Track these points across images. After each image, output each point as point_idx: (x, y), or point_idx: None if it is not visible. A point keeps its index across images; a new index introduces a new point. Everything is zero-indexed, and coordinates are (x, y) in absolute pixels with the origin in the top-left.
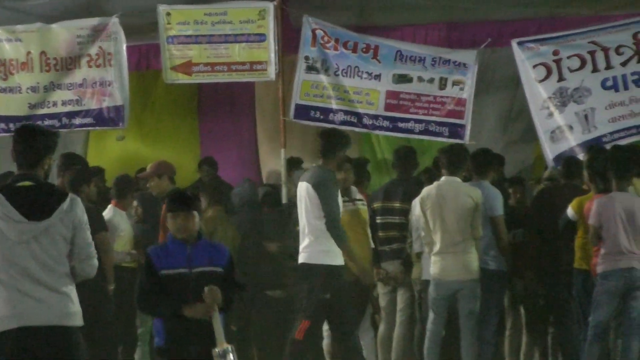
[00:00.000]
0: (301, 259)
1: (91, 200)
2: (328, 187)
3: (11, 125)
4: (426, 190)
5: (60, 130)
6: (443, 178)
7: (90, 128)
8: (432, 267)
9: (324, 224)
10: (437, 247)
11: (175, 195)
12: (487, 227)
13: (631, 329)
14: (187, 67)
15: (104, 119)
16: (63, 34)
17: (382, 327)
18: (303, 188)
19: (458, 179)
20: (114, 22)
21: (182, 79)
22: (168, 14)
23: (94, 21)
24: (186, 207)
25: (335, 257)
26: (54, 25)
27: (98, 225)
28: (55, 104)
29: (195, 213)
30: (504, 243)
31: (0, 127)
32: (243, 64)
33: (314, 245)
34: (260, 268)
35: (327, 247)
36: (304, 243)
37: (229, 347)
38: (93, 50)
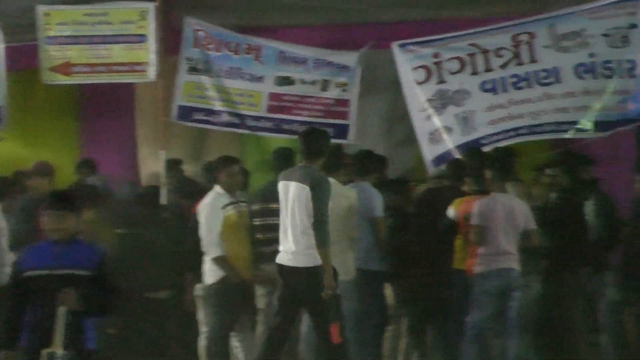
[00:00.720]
0: (294, 262)
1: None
2: (324, 188)
3: None
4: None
5: None
6: None
7: None
8: None
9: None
10: None
11: (51, 195)
12: (368, 228)
13: (509, 330)
14: (66, 67)
15: None
16: None
17: (261, 328)
18: (293, 188)
19: (334, 180)
20: None
21: (61, 79)
22: (47, 14)
23: None
24: (61, 206)
25: None
26: None
27: None
28: None
29: (71, 214)
30: (384, 244)
31: None
32: (123, 64)
33: (311, 248)
34: (141, 270)
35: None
36: (293, 246)
37: (62, 352)
38: None
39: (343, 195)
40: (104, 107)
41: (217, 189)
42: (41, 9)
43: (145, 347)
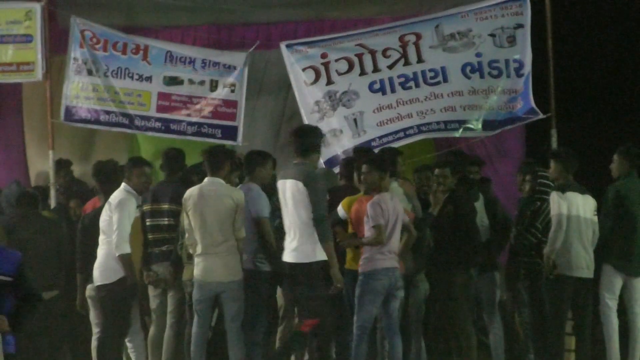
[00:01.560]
0: (293, 258)
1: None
2: (318, 184)
3: None
4: (189, 191)
5: None
6: (206, 179)
7: None
8: (195, 268)
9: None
10: (199, 248)
11: None
12: (255, 228)
13: (394, 328)
14: None
15: None
16: None
17: (152, 329)
18: (289, 186)
19: (220, 180)
20: None
21: None
22: None
23: None
24: None
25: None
26: None
27: None
28: None
29: None
30: (270, 244)
31: None
32: (10, 64)
33: (307, 244)
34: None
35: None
36: (293, 242)
37: None
38: None
39: (228, 195)
40: None
41: (127, 188)
42: None
43: (35, 349)
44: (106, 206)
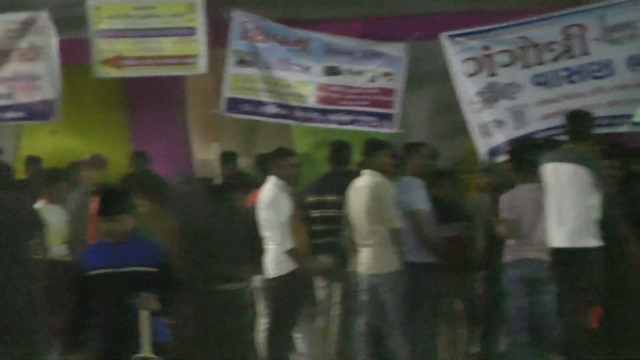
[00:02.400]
0: (574, 243)
1: None
2: (600, 168)
3: None
4: (353, 184)
5: None
6: (363, 171)
7: (22, 122)
8: (356, 260)
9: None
10: (356, 240)
11: (104, 198)
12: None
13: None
14: (116, 61)
15: (36, 112)
16: None
17: (320, 321)
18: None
19: (374, 171)
20: (44, 16)
21: (112, 72)
22: (98, 7)
23: (23, 15)
24: (113, 211)
25: None
26: None
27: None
28: None
29: (125, 216)
30: (424, 236)
31: None
32: (173, 57)
33: (589, 228)
34: (205, 262)
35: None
36: (572, 225)
37: (154, 357)
38: (23, 44)
39: (372, 186)
40: (153, 100)
41: (275, 180)
42: (91, 2)
43: (214, 340)
44: (259, 204)
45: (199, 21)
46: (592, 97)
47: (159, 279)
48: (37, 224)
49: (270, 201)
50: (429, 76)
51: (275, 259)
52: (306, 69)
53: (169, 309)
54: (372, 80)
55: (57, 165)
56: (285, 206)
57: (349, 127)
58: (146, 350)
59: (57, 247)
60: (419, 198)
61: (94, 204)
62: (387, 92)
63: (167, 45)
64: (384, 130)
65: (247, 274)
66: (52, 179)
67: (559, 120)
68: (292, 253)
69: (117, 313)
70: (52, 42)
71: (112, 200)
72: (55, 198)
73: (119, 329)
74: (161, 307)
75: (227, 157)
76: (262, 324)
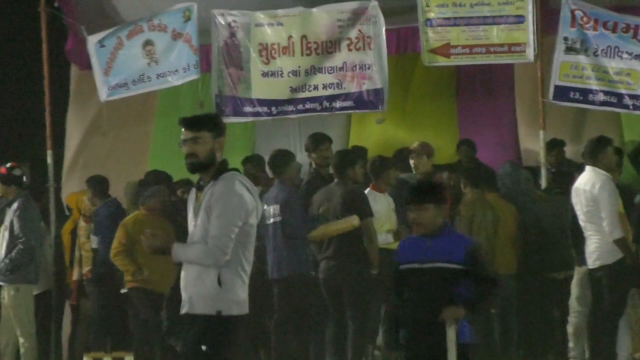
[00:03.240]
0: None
1: (357, 182)
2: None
3: (273, 109)
4: None
5: (321, 113)
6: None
7: (350, 111)
8: None
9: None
10: None
11: (414, 186)
12: None
13: None
14: (445, 49)
15: (364, 102)
16: (324, 18)
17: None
18: (588, 191)
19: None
20: (373, 5)
21: (440, 61)
22: None
23: (353, 5)
24: (421, 199)
25: None
26: (314, 9)
27: (366, 211)
28: (316, 88)
29: (431, 206)
30: None
31: (263, 110)
32: (501, 45)
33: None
34: (539, 251)
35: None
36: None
37: None
38: (353, 33)
39: None
40: (480, 88)
41: (597, 170)
42: None
43: (536, 329)
44: (582, 192)
45: (528, 9)
46: None
47: (467, 276)
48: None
49: (599, 190)
50: None
51: (600, 248)
52: (636, 56)
53: (476, 308)
54: None
55: (383, 153)
56: (617, 195)
57: None
58: None
59: (383, 235)
60: None
61: None
62: None
63: (496, 34)
64: None
65: (573, 263)
66: (379, 167)
67: None
68: (620, 242)
69: (422, 311)
70: (381, 31)
71: (421, 189)
72: (381, 186)
73: (422, 327)
74: (467, 306)
75: (554, 145)
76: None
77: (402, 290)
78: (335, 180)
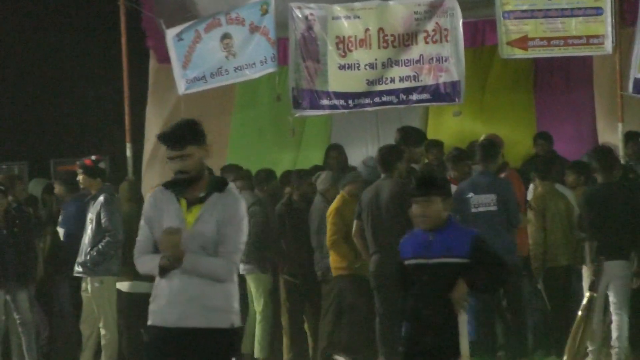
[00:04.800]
0: None
1: (401, 177)
2: None
3: (350, 102)
4: None
5: (397, 106)
6: None
7: (427, 104)
8: None
9: None
10: None
11: (418, 179)
12: None
13: None
14: (523, 42)
15: (441, 94)
16: (401, 11)
17: None
18: None
19: None
20: None
21: (518, 54)
22: None
23: None
24: (425, 192)
25: None
26: (391, 2)
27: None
28: (392, 80)
29: (435, 199)
30: None
31: (339, 103)
32: (579, 37)
33: None
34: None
35: None
36: None
37: None
38: (430, 26)
39: None
40: (558, 81)
41: None
42: None
43: None
44: None
45: (607, 1)
46: None
47: (472, 269)
48: None
49: None
50: None
51: None
52: None
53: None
54: None
55: (460, 146)
56: None
57: None
58: (465, 355)
59: None
60: None
61: None
62: None
63: (574, 25)
64: None
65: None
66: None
67: None
68: None
69: (425, 306)
70: (458, 23)
71: (424, 181)
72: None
73: (423, 324)
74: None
75: (630, 137)
76: None
77: (407, 285)
78: (383, 175)
